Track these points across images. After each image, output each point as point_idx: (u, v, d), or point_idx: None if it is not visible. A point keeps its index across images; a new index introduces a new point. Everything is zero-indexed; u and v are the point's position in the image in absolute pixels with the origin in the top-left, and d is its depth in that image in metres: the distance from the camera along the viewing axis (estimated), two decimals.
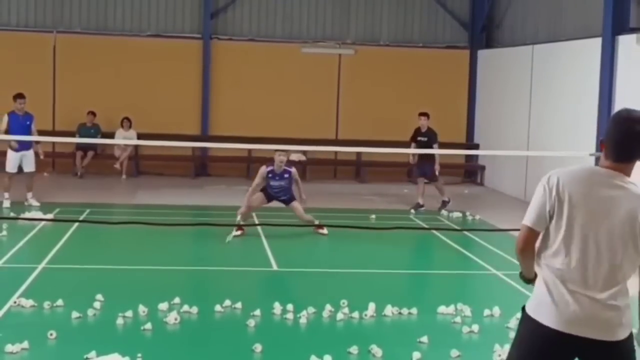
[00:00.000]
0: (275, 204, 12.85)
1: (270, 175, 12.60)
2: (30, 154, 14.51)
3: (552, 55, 16.63)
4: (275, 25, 20.55)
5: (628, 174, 3.92)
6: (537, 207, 3.93)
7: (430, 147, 15.15)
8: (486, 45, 20.50)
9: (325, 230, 12.55)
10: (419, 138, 15.56)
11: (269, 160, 20.45)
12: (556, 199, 3.87)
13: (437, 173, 15.32)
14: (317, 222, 12.60)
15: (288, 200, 12.74)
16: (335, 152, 20.03)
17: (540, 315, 3.89)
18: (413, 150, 15.31)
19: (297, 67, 20.33)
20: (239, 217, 12.38)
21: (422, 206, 15.37)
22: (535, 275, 4.08)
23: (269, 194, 12.69)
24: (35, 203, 14.36)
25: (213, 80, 20.11)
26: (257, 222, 13.15)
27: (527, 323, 3.96)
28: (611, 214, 3.83)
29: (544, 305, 3.89)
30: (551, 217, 3.91)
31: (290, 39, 20.45)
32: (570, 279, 3.85)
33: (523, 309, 4.05)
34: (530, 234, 3.96)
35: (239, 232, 12.11)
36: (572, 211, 3.85)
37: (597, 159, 13.14)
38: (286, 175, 12.62)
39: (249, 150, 19.34)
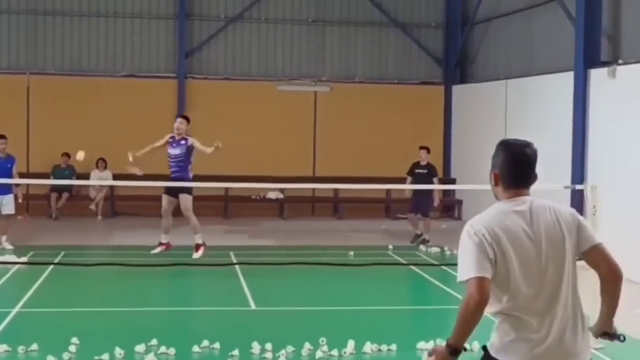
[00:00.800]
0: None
1: (170, 140, 12.70)
2: (9, 198, 14.34)
3: (526, 90, 16.78)
4: (250, 64, 20.62)
5: (527, 195, 3.94)
6: (478, 256, 3.76)
7: (431, 180, 15.33)
8: (460, 80, 20.67)
9: (199, 253, 12.44)
10: (417, 171, 15.67)
11: (247, 200, 20.35)
12: (493, 246, 3.77)
13: (435, 205, 15.53)
14: (197, 240, 12.60)
15: (178, 188, 12.39)
16: (313, 189, 20.02)
17: (503, 355, 3.82)
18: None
19: (273, 105, 20.37)
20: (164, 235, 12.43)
21: (421, 235, 15.56)
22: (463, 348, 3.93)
23: (168, 191, 12.49)
24: (8, 246, 14.19)
25: None
26: (235, 261, 13.05)
27: None
28: (540, 234, 3.82)
29: (507, 346, 3.82)
30: (494, 265, 3.78)
31: (265, 77, 20.51)
32: (530, 315, 3.79)
33: (484, 349, 3.96)
34: (484, 283, 3.72)
35: (158, 250, 12.33)
36: (507, 250, 3.77)
37: (572, 191, 13.11)
38: (183, 142, 12.64)
39: (226, 189, 19.29)
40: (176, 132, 12.69)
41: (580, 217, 3.95)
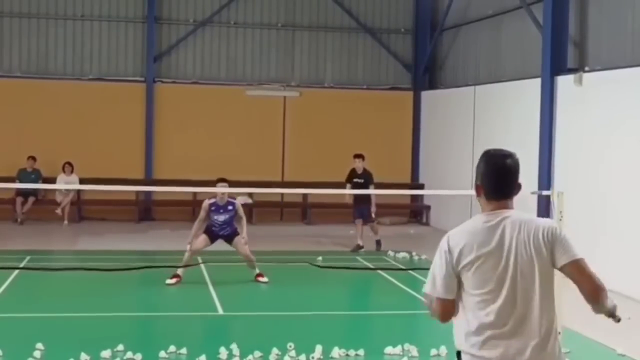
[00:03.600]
0: (220, 246, 12.69)
1: (213, 208, 11.87)
2: None
3: (494, 96, 16.91)
4: (219, 68, 20.56)
5: (510, 208, 3.95)
6: (446, 275, 3.84)
7: (367, 188, 15.23)
8: (429, 86, 20.77)
9: (265, 278, 12.11)
10: (355, 180, 15.64)
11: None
12: (463, 261, 3.82)
13: (373, 215, 15.42)
14: (257, 271, 12.12)
15: (231, 236, 12.07)
16: (282, 194, 19.99)
17: (483, 352, 3.83)
18: (358, 191, 15.37)
19: (241, 109, 20.32)
20: (182, 267, 11.79)
21: (362, 247, 15.44)
22: None
23: (213, 233, 12.04)
24: None
25: (157, 124, 19.99)
26: (202, 267, 12.97)
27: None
28: (510, 249, 3.82)
29: (478, 355, 3.82)
30: (459, 279, 3.84)
31: (234, 82, 20.47)
32: (500, 328, 3.79)
33: (458, 354, 3.96)
34: (448, 305, 3.86)
35: (173, 281, 11.72)
36: (476, 263, 3.81)
37: (539, 197, 13.22)
38: (230, 207, 11.91)
39: (194, 194, 19.18)
40: (220, 198, 11.90)
41: (559, 233, 3.89)
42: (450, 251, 3.85)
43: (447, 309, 3.87)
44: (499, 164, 3.94)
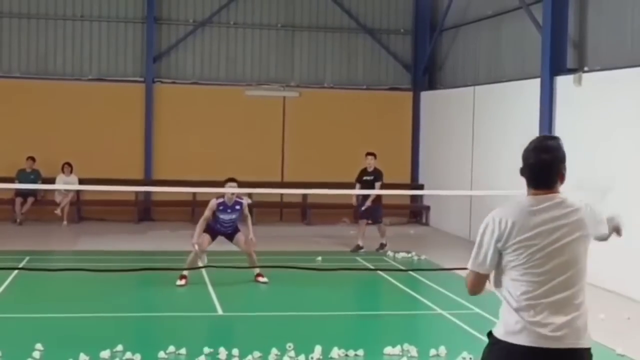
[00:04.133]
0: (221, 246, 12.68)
1: (221, 208, 11.84)
2: None
3: (493, 96, 16.90)
4: (218, 68, 20.56)
5: (556, 193, 4.16)
6: (485, 251, 4.10)
7: (374, 186, 15.27)
8: (429, 86, 20.76)
9: (265, 279, 12.10)
10: (365, 178, 15.64)
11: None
12: (504, 238, 4.06)
13: (362, 209, 15.44)
14: (257, 270, 12.07)
15: (233, 233, 12.12)
16: (281, 195, 19.98)
17: (512, 337, 4.03)
18: (359, 191, 15.36)
19: (241, 110, 20.32)
20: (187, 263, 11.78)
21: (361, 248, 15.42)
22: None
23: (214, 230, 12.01)
24: None
25: (156, 124, 19.99)
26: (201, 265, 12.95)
27: (498, 346, 4.08)
28: (555, 231, 4.05)
29: (517, 328, 4.03)
30: (503, 256, 4.08)
31: (234, 82, 20.46)
32: (540, 303, 4.01)
33: (490, 334, 4.17)
34: (480, 279, 4.16)
35: (182, 282, 11.72)
36: (523, 243, 4.03)
37: None
38: (237, 207, 11.91)
39: (194, 194, 19.19)
40: (228, 198, 11.85)
41: (593, 209, 4.22)
42: (494, 229, 4.07)
43: (479, 283, 4.15)
44: (537, 158, 4.14)
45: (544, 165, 4.12)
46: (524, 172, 4.17)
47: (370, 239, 15.52)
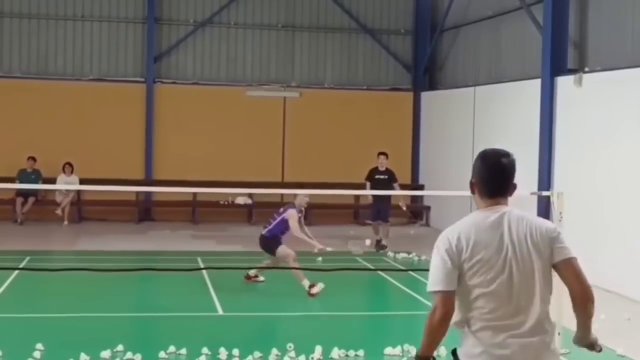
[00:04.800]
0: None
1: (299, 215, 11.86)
2: None
3: (494, 97, 16.90)
4: (219, 69, 20.56)
5: (505, 205, 3.99)
6: (445, 268, 3.83)
7: (391, 186, 15.41)
8: (429, 87, 20.77)
9: (261, 277, 12.15)
10: (377, 177, 15.74)
11: (215, 205, 20.18)
12: (457, 255, 3.84)
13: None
14: (255, 275, 12.09)
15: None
16: (282, 195, 19.94)
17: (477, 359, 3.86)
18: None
19: (242, 110, 20.32)
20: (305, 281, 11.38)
21: (381, 241, 15.65)
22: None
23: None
24: None
25: (157, 124, 19.99)
26: (202, 266, 12.97)
27: None
28: (509, 245, 3.87)
29: (476, 351, 3.85)
30: (458, 275, 3.85)
31: (234, 82, 20.47)
32: (496, 322, 3.83)
33: (454, 353, 3.99)
34: (449, 297, 3.83)
35: (316, 289, 11.23)
36: (475, 259, 3.84)
37: (539, 198, 13.21)
38: (299, 215, 12.04)
39: (194, 194, 19.20)
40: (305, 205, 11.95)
41: (557, 231, 3.97)
42: (451, 246, 3.86)
43: (448, 301, 3.81)
44: (494, 162, 3.99)
45: (503, 170, 3.96)
46: (479, 179, 3.98)
47: (371, 238, 15.51)
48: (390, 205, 15.94)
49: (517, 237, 3.87)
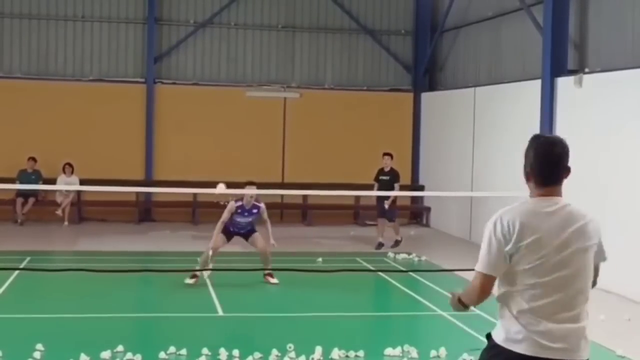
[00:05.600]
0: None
1: (239, 211, 11.94)
2: None
3: (494, 97, 16.90)
4: (219, 69, 20.56)
5: (560, 194, 4.09)
6: (493, 252, 3.97)
7: (392, 185, 15.51)
8: (429, 87, 20.77)
9: (275, 280, 12.15)
10: (381, 177, 15.89)
11: (215, 206, 20.20)
12: (514, 240, 3.94)
13: (386, 208, 15.67)
14: (268, 270, 12.06)
15: (249, 233, 12.19)
16: (282, 196, 19.97)
17: (513, 345, 3.95)
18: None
19: (242, 110, 20.32)
20: (200, 263, 11.82)
21: (383, 245, 15.68)
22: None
23: (230, 232, 12.06)
24: None
25: (157, 125, 19.99)
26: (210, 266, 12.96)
27: (497, 351, 4.01)
28: (567, 238, 3.97)
29: (518, 337, 3.95)
30: (510, 259, 3.96)
31: (234, 83, 20.47)
32: (544, 310, 3.93)
33: (489, 337, 4.10)
34: (489, 281, 4.01)
35: (192, 281, 11.73)
36: (533, 246, 3.94)
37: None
38: (255, 211, 12.04)
39: (194, 195, 19.20)
40: (247, 201, 11.94)
41: (601, 232, 4.13)
42: (506, 229, 3.95)
43: (488, 286, 4.00)
44: (547, 151, 4.08)
45: (557, 159, 4.05)
46: (533, 168, 4.06)
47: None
48: (394, 206, 16.01)
49: (572, 232, 3.98)
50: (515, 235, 3.93)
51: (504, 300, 4.03)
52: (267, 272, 12.13)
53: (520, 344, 3.93)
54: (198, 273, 11.84)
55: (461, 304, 4.19)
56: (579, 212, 4.05)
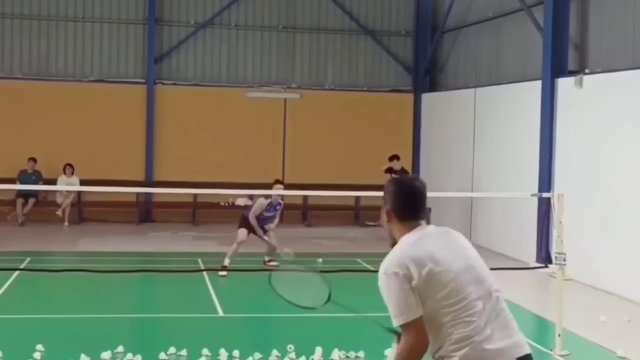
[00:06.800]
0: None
1: (269, 207, 13.20)
2: None
3: (494, 98, 16.90)
4: (220, 70, 20.57)
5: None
6: (404, 297, 3.81)
7: None
8: (429, 88, 20.77)
9: (275, 262, 12.78)
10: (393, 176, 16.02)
11: (215, 206, 20.25)
12: (413, 279, 3.81)
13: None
14: (276, 252, 13.16)
15: (269, 223, 13.39)
16: (282, 196, 19.93)
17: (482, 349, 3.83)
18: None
19: (242, 111, 20.32)
20: (228, 259, 12.53)
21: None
22: None
23: (250, 227, 13.07)
24: None
25: (157, 126, 19.99)
26: (203, 267, 12.98)
27: None
28: (463, 254, 3.96)
29: (464, 352, 3.80)
30: (423, 300, 3.80)
31: (235, 84, 20.47)
32: (475, 332, 3.79)
33: None
34: (419, 325, 3.77)
35: (224, 273, 12.22)
36: (436, 275, 3.82)
37: (539, 199, 13.22)
38: (278, 207, 13.40)
39: (195, 196, 19.21)
40: (274, 198, 13.29)
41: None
42: (395, 273, 3.86)
43: (420, 330, 3.76)
44: (410, 186, 4.07)
45: (420, 192, 4.04)
46: (400, 204, 4.00)
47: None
48: None
49: (458, 243, 4.01)
50: (407, 277, 3.82)
51: (437, 345, 3.85)
52: (269, 258, 13.16)
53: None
54: (227, 266, 12.40)
55: None
56: (446, 229, 4.10)
